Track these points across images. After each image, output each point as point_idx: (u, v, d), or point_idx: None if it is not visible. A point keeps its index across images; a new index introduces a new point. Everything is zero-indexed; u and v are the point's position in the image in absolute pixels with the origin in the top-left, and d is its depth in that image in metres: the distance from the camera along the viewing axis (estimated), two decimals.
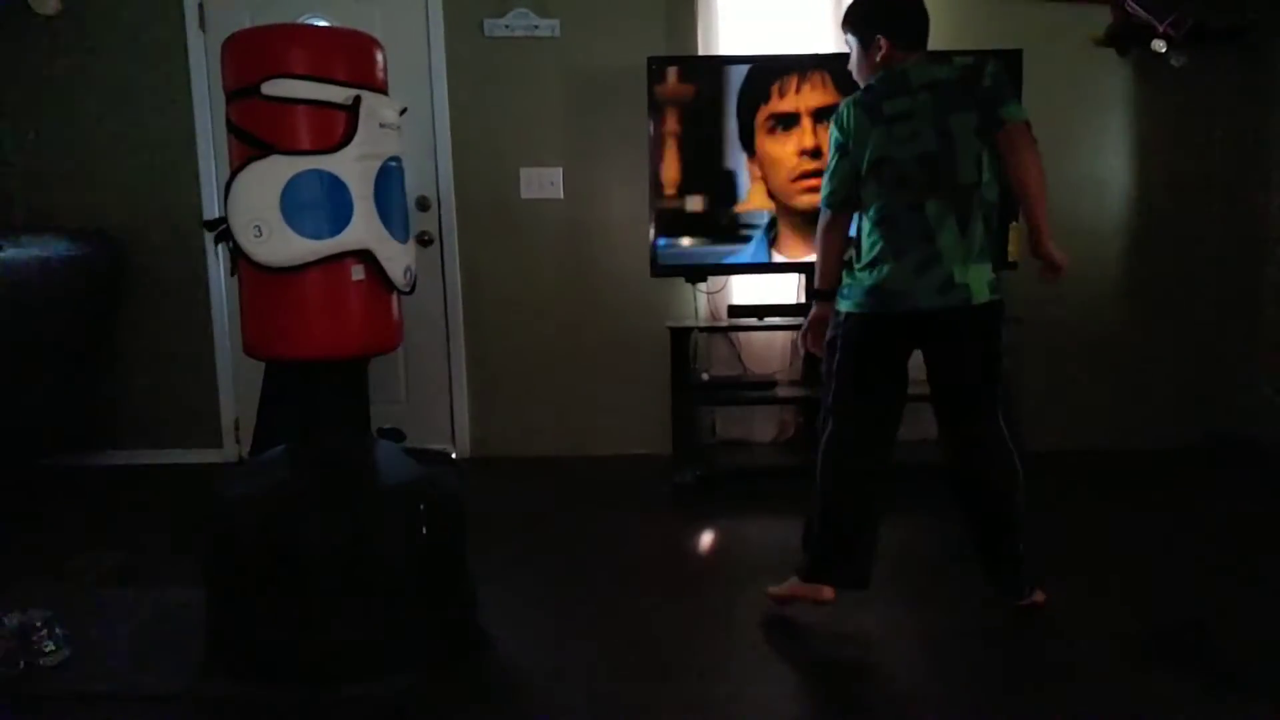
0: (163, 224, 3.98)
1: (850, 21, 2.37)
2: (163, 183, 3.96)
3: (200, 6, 3.87)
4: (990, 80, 2.20)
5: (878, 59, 2.30)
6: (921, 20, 2.33)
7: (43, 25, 3.86)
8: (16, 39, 3.88)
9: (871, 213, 2.28)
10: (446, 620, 2.20)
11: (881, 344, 2.30)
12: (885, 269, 2.23)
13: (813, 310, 2.48)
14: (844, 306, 2.32)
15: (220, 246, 2.08)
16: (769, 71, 3.54)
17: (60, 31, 3.88)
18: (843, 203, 2.34)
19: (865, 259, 2.29)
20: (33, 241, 3.51)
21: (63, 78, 3.91)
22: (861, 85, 2.35)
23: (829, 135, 2.35)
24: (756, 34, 3.81)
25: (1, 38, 3.88)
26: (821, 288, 2.42)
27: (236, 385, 4.05)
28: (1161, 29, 3.71)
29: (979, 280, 2.21)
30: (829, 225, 2.38)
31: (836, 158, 2.32)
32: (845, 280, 2.35)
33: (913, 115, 2.22)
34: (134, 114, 3.93)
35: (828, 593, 2.34)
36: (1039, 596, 2.36)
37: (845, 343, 2.30)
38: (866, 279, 2.26)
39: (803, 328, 2.53)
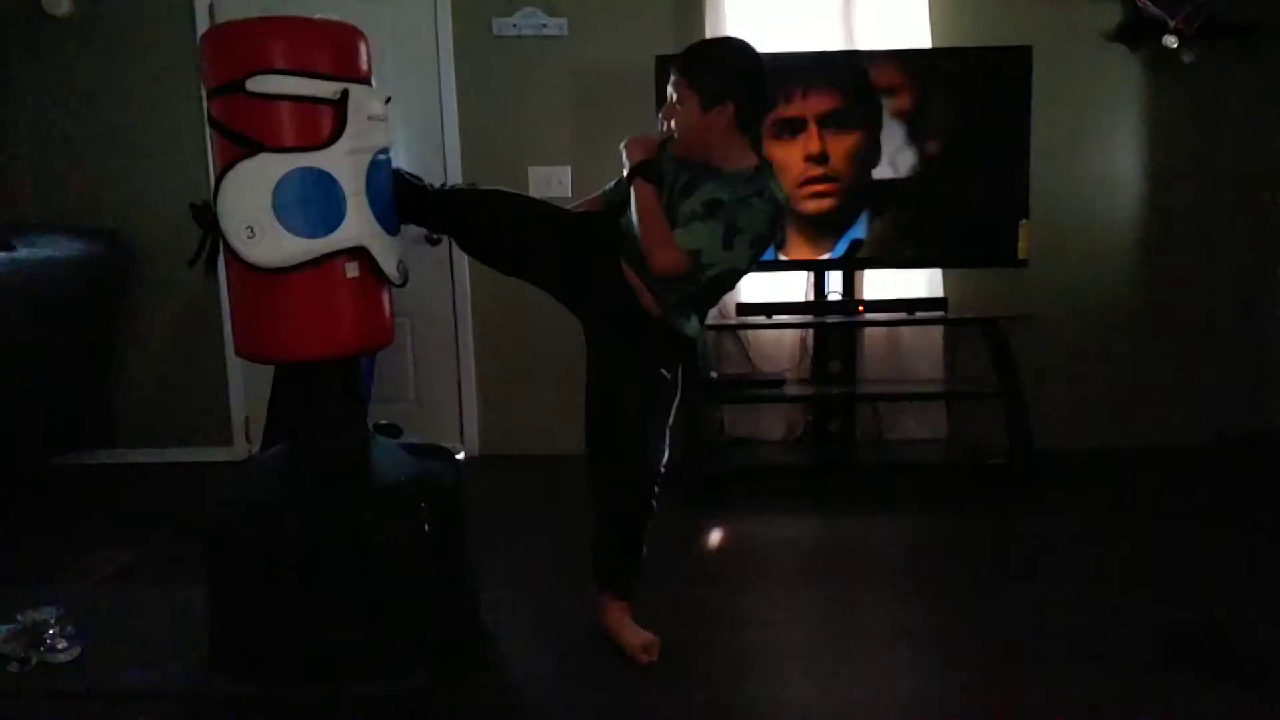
0: (173, 223, 3.97)
1: (693, 73, 2.13)
2: (174, 182, 3.97)
3: (211, 7, 3.89)
4: None
5: (722, 127, 2.12)
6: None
7: (56, 27, 3.89)
8: (30, 40, 3.91)
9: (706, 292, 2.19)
10: (448, 619, 2.19)
11: None
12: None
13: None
14: (691, 330, 2.20)
15: (207, 240, 2.02)
16: (774, 75, 3.51)
17: (73, 33, 3.91)
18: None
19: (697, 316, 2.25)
20: (45, 241, 3.54)
21: (76, 79, 3.94)
22: (681, 153, 2.19)
23: (754, 214, 2.07)
24: (764, 34, 3.79)
25: (15, 39, 3.92)
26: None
27: (246, 383, 4.07)
28: (1173, 24, 3.69)
29: None
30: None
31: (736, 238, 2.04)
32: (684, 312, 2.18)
33: None
34: (145, 114, 3.96)
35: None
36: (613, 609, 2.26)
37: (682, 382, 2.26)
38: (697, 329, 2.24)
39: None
